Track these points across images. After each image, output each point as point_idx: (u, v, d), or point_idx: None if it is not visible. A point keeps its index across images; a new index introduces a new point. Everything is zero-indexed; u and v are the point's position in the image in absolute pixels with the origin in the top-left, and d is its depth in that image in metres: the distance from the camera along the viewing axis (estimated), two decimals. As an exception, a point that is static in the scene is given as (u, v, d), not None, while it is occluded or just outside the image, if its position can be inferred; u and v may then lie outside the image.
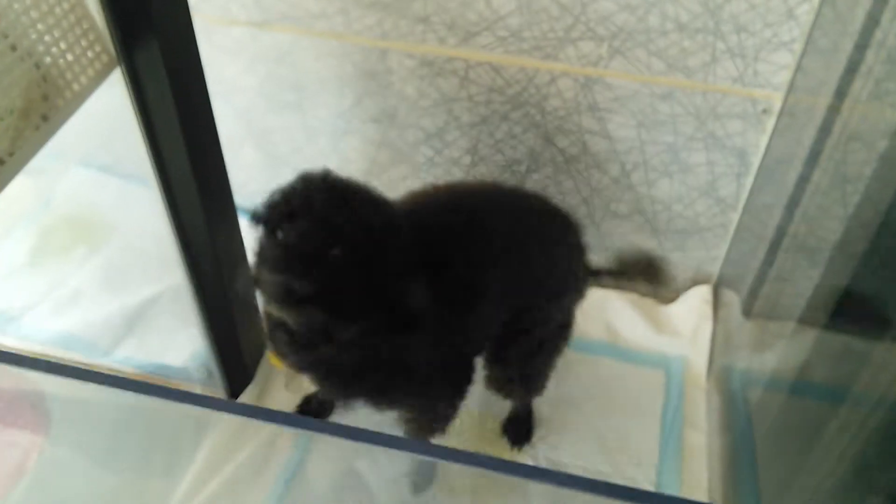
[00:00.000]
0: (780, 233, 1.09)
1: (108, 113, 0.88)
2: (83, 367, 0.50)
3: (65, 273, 1.35)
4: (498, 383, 1.06)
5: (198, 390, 1.25)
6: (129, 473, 1.03)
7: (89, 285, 1.33)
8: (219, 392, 1.23)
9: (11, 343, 1.26)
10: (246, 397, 1.20)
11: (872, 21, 0.91)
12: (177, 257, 1.06)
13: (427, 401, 0.98)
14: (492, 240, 0.91)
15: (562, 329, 1.06)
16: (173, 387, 1.26)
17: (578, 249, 1.03)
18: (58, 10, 0.75)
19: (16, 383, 0.88)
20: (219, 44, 1.22)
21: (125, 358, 1.26)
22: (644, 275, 1.18)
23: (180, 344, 1.24)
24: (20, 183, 0.74)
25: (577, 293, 1.05)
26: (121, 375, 0.49)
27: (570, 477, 0.44)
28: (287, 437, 1.09)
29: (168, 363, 1.25)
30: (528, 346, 1.02)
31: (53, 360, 0.49)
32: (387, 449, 0.45)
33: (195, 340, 1.16)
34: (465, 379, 1.00)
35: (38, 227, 1.39)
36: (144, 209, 1.06)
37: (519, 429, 1.17)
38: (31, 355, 1.25)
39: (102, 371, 1.26)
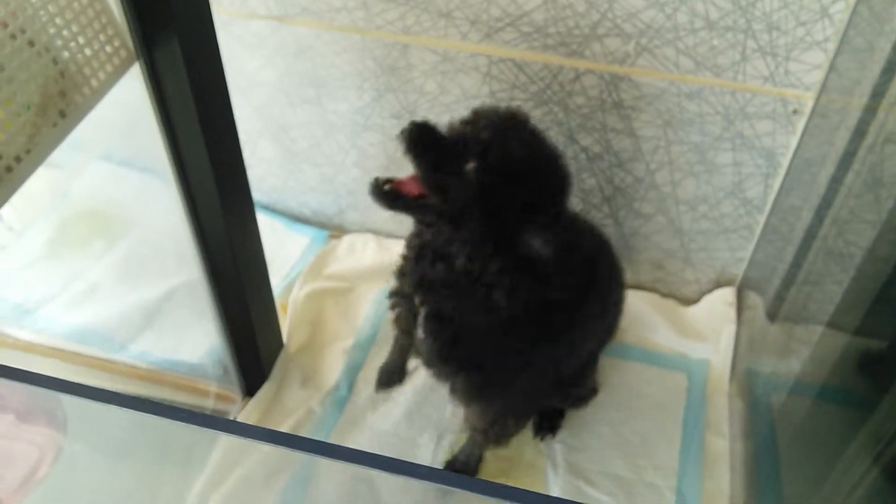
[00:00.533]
0: (809, 236, 1.06)
1: (128, 106, 0.88)
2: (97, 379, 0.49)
3: (82, 267, 1.34)
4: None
5: (213, 387, 1.24)
6: (144, 473, 1.02)
7: (106, 279, 1.33)
8: (234, 389, 1.22)
9: (28, 336, 1.26)
10: (262, 394, 1.19)
11: (911, 19, 0.88)
12: (194, 252, 1.06)
13: (507, 408, 1.02)
14: (600, 276, 1.00)
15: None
16: (189, 384, 1.26)
17: (622, 288, 1.10)
18: (76, 4, 0.73)
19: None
20: (238, 37, 1.21)
21: (141, 353, 1.25)
22: None
23: (196, 339, 1.23)
24: (39, 176, 0.73)
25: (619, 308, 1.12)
26: (134, 396, 0.48)
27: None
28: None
29: (184, 359, 1.24)
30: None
31: (68, 381, 0.47)
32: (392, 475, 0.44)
33: (211, 336, 1.15)
34: (543, 400, 1.09)
35: (56, 220, 1.39)
36: (162, 204, 1.05)
37: (543, 422, 1.18)
38: (47, 348, 1.25)
39: (118, 364, 1.25)
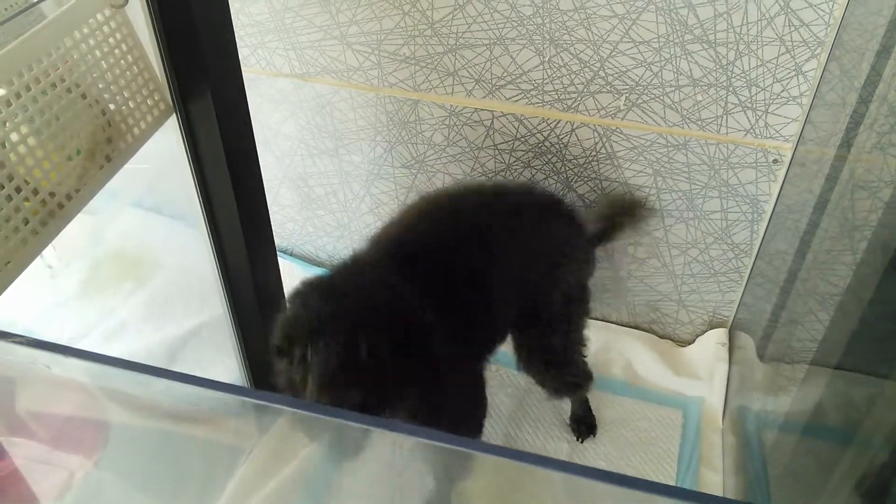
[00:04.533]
0: (792, 278, 1.12)
1: (160, 158, 0.96)
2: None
3: (113, 305, 1.43)
4: (534, 373, 1.15)
5: (232, 420, 1.31)
6: (164, 500, 1.08)
7: (135, 317, 1.41)
8: (251, 421, 1.29)
9: (59, 371, 1.33)
10: (276, 429, 1.25)
11: (876, 76, 0.96)
12: (219, 293, 1.13)
13: (454, 425, 1.03)
14: (484, 244, 0.97)
15: (570, 303, 1.11)
16: (209, 418, 1.32)
17: (568, 224, 1.08)
18: (123, 62, 0.83)
19: (82, 409, 0.95)
20: (264, 94, 1.31)
21: (166, 387, 1.32)
22: (627, 214, 1.22)
23: (218, 374, 1.30)
24: (77, 221, 0.81)
25: (577, 264, 1.11)
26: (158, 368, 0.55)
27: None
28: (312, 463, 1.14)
29: (204, 394, 1.31)
30: (539, 330, 1.10)
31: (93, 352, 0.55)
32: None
33: (231, 371, 1.22)
34: (480, 393, 1.07)
35: (90, 262, 1.48)
36: (190, 247, 1.14)
37: (580, 425, 1.26)
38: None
39: (141, 399, 1.33)
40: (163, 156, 0.96)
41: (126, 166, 0.87)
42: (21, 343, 0.50)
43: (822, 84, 1.05)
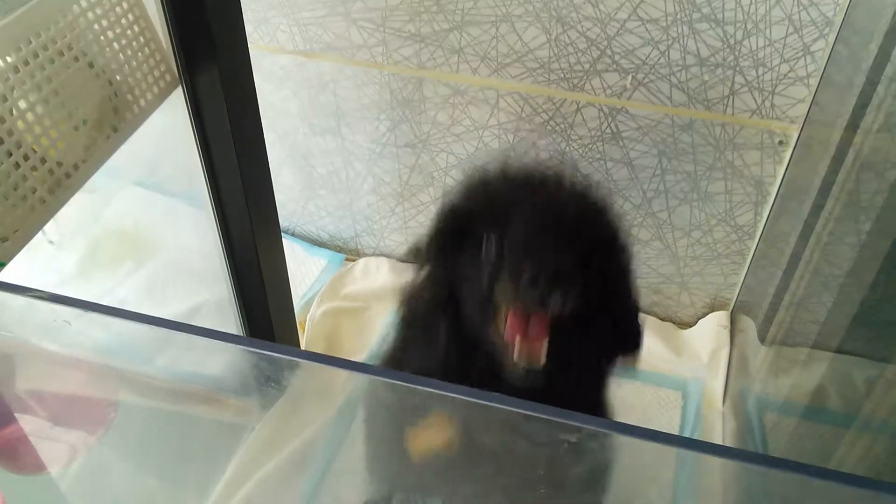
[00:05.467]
0: (795, 260, 1.13)
1: (161, 135, 0.96)
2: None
3: (111, 284, 1.42)
4: None
5: (231, 400, 1.31)
6: (167, 473, 1.08)
7: (134, 296, 1.40)
8: (253, 403, 1.28)
9: (57, 349, 1.33)
10: (278, 408, 1.25)
11: (884, 57, 0.96)
12: (222, 272, 1.12)
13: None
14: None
15: None
16: (210, 395, 1.32)
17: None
18: (129, 32, 0.83)
19: (89, 389, 0.95)
20: (267, 71, 1.30)
21: (165, 366, 1.31)
22: None
23: (218, 354, 1.30)
24: (76, 198, 0.80)
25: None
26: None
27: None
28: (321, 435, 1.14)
29: (206, 372, 1.31)
30: None
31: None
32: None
33: (234, 352, 1.22)
34: None
35: (88, 240, 1.47)
36: (193, 225, 1.13)
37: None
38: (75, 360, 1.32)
39: (142, 376, 1.32)
40: (165, 132, 0.95)
41: (125, 145, 0.86)
42: (42, 298, 0.49)
43: (829, 64, 1.05)
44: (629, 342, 0.80)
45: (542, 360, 0.65)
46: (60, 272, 1.41)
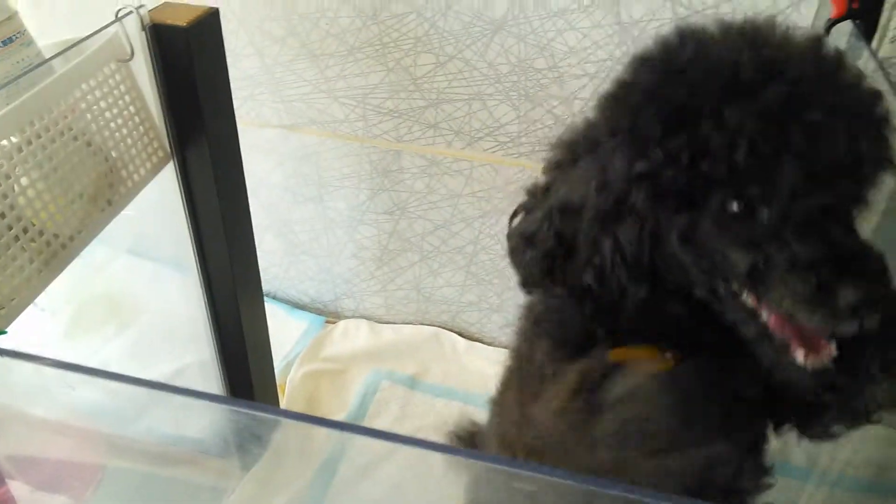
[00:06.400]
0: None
1: (151, 205, 1.01)
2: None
3: (96, 347, 1.45)
4: None
5: (214, 461, 1.33)
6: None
7: (118, 359, 1.43)
8: (234, 462, 1.31)
9: (40, 412, 1.35)
10: (260, 467, 1.28)
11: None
12: (206, 336, 1.16)
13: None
14: None
15: None
16: (191, 458, 1.34)
17: None
18: (126, 112, 0.88)
19: (76, 454, 0.97)
20: (252, 144, 1.37)
21: (148, 428, 1.34)
22: None
23: (201, 415, 1.32)
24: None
25: None
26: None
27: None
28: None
29: (188, 434, 1.33)
30: None
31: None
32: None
33: (215, 411, 1.25)
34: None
35: (76, 304, 1.50)
36: (178, 291, 1.17)
37: None
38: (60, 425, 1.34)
39: (124, 439, 1.34)
40: (155, 204, 1.00)
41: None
42: (49, 365, 0.54)
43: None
44: None
45: (831, 356, 0.50)
46: (45, 334, 1.44)
